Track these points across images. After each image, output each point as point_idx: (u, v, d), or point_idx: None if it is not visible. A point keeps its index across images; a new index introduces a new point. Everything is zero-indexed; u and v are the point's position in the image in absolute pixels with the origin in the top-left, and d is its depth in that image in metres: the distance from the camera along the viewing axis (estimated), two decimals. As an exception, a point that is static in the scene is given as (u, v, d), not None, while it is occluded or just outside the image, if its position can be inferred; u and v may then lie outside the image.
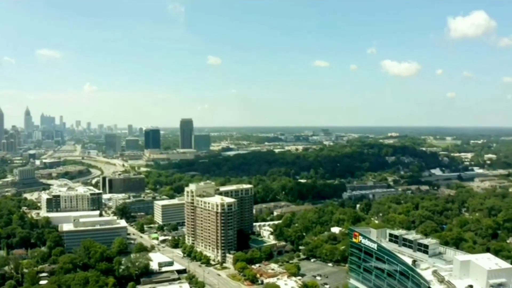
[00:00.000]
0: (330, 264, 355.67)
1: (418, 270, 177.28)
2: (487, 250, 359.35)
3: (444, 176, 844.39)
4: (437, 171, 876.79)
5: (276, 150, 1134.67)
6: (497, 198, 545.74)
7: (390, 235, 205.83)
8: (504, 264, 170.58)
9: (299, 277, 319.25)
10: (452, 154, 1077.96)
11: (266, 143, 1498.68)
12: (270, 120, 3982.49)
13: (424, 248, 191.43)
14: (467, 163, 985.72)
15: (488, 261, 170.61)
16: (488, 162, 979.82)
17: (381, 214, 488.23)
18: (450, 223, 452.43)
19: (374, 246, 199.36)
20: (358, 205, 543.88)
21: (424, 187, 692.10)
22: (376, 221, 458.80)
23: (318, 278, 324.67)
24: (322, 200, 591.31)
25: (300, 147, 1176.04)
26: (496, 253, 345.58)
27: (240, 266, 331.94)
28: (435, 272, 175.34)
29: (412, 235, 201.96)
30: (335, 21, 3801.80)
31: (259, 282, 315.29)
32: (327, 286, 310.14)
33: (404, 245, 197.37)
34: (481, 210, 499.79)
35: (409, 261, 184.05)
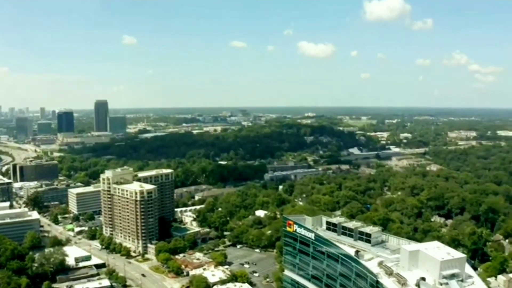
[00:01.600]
0: (257, 250, 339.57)
1: (363, 262, 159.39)
2: (415, 230, 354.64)
3: (363, 155, 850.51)
4: (355, 150, 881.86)
5: (195, 132, 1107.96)
6: (418, 176, 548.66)
7: (328, 223, 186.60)
8: (455, 253, 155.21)
9: (227, 266, 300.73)
10: (368, 134, 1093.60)
11: (184, 124, 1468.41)
12: (187, 101, 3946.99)
13: (366, 237, 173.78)
14: (384, 142, 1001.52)
15: (438, 250, 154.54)
16: (404, 141, 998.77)
17: (304, 195, 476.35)
18: (374, 202, 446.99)
19: (311, 235, 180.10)
20: (281, 187, 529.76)
21: (345, 167, 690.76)
22: (301, 203, 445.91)
23: (246, 266, 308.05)
24: (243, 182, 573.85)
25: (219, 128, 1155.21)
26: (425, 233, 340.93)
27: (163, 258, 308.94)
28: (381, 264, 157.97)
29: (352, 223, 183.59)
30: (252, 2, 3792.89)
31: (185, 273, 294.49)
32: (257, 274, 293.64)
33: (344, 233, 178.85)
34: (403, 189, 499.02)
35: (351, 251, 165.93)
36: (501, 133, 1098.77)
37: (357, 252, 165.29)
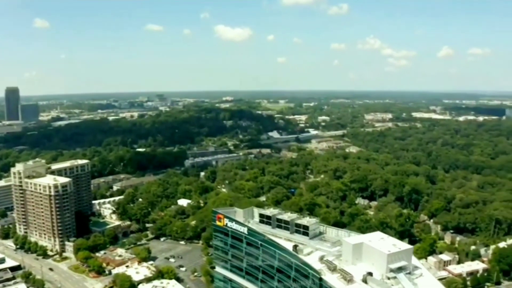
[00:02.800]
0: (182, 242, 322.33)
1: (302, 257, 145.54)
2: (341, 213, 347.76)
3: (282, 138, 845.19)
4: (275, 134, 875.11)
5: (111, 118, 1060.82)
6: (339, 159, 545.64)
7: (261, 215, 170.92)
8: (401, 245, 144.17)
9: (151, 262, 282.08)
10: (287, 117, 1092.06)
11: (99, 110, 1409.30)
12: (102, 86, 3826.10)
13: (303, 230, 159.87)
14: (302, 125, 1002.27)
15: (383, 242, 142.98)
16: (323, 124, 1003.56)
17: (227, 182, 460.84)
18: (298, 187, 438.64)
19: (244, 230, 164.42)
20: (202, 173, 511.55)
21: (266, 151, 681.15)
22: (224, 190, 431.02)
23: (172, 260, 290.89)
24: (163, 170, 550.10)
25: (136, 114, 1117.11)
26: (352, 217, 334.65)
27: (83, 256, 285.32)
28: (322, 258, 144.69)
29: (287, 215, 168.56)
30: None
31: (107, 272, 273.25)
32: (183, 268, 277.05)
33: (279, 226, 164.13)
34: (325, 172, 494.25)
35: (288, 245, 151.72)
36: (416, 114, 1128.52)
37: (295, 246, 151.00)
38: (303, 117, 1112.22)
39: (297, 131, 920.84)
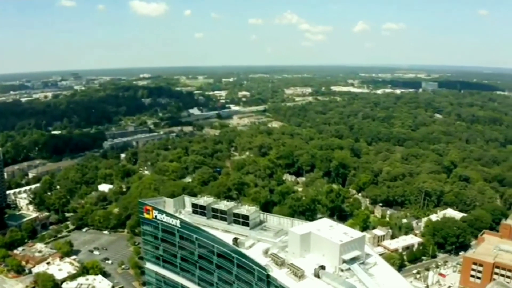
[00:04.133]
0: (106, 232, 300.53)
1: (244, 251, 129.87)
2: (271, 192, 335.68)
3: (203, 115, 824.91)
4: (195, 111, 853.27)
5: (24, 100, 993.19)
6: (264, 135, 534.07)
7: (194, 205, 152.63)
8: (353, 232, 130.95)
9: (74, 256, 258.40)
10: (207, 93, 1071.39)
11: (11, 92, 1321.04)
12: (14, 66, 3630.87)
13: (243, 219, 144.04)
14: (223, 101, 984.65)
15: (332, 230, 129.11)
16: (243, 99, 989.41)
17: (150, 163, 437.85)
18: (224, 165, 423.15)
19: (176, 222, 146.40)
20: (123, 155, 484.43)
21: (187, 128, 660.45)
22: (147, 172, 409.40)
23: (96, 252, 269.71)
24: (81, 153, 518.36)
25: (50, 94, 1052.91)
26: (283, 195, 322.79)
27: (0, 255, 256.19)
28: (267, 252, 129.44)
29: (223, 203, 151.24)
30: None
31: (27, 271, 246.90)
32: (109, 261, 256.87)
33: (215, 217, 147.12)
34: (250, 149, 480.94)
35: (228, 238, 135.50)
36: (335, 88, 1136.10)
37: (235, 239, 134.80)
38: (223, 93, 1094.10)
39: (218, 107, 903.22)
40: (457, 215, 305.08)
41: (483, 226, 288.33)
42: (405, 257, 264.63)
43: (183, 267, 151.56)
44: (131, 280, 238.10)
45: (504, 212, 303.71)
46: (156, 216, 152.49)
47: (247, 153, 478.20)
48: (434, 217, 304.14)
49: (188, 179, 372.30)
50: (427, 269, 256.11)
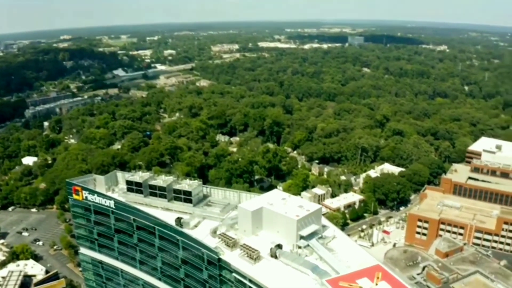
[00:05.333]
0: (34, 210, 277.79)
1: (189, 232, 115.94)
2: (205, 154, 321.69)
3: (129, 76, 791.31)
4: (120, 72, 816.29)
5: None
6: (193, 95, 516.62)
7: (129, 182, 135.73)
8: (308, 205, 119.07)
9: (2, 240, 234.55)
10: (131, 53, 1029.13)
11: None
12: None
13: (184, 196, 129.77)
14: (148, 60, 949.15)
15: (287, 204, 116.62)
16: (169, 58, 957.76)
17: (75, 131, 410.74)
18: (154, 129, 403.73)
19: (110, 203, 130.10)
20: (46, 123, 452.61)
21: (113, 91, 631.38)
22: (73, 141, 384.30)
23: (26, 234, 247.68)
24: (2, 124, 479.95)
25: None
26: (218, 158, 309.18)
27: None
28: (216, 232, 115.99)
29: (161, 179, 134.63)
30: None
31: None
32: (40, 242, 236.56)
33: (153, 194, 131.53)
34: (180, 110, 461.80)
35: (169, 218, 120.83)
36: (262, 44, 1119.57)
37: (178, 219, 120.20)
38: (148, 52, 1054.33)
39: (143, 67, 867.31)
40: (395, 169, 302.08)
41: (422, 181, 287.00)
42: (347, 216, 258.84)
43: (121, 251, 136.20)
44: (66, 262, 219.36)
45: (440, 165, 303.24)
46: (86, 197, 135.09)
47: (177, 114, 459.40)
48: (372, 173, 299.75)
49: (117, 146, 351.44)
50: (371, 227, 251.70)
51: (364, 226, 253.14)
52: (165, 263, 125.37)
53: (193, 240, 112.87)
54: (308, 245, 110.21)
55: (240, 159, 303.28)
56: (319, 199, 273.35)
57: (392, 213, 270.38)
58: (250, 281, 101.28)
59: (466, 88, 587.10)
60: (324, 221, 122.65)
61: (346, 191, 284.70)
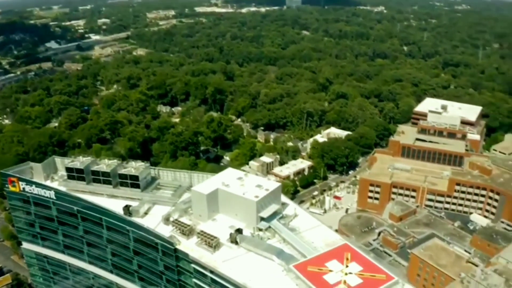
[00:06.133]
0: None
1: (140, 221, 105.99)
2: (147, 127, 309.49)
3: (62, 48, 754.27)
4: (53, 44, 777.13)
5: None
6: (130, 65, 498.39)
7: (69, 169, 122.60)
8: (266, 183, 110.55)
9: None
10: (63, 24, 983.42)
11: None
12: None
13: (131, 181, 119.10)
14: (82, 31, 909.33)
15: (244, 184, 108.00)
16: (104, 27, 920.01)
17: (9, 111, 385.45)
18: (92, 103, 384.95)
19: (50, 193, 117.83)
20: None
21: (46, 65, 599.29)
22: (7, 121, 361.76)
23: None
24: None
25: None
26: (161, 131, 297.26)
27: None
28: (169, 219, 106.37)
29: (104, 163, 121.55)
30: None
31: None
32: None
33: (97, 181, 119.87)
34: (118, 81, 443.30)
35: (116, 206, 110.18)
36: (199, 9, 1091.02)
37: (127, 207, 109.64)
38: (81, 22, 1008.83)
39: (77, 38, 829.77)
40: (341, 133, 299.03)
41: (369, 143, 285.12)
42: (297, 183, 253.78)
43: (67, 244, 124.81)
44: (9, 254, 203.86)
45: (386, 127, 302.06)
46: (24, 188, 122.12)
47: (115, 86, 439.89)
48: (319, 138, 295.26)
49: (54, 124, 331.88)
50: (322, 193, 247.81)
51: (315, 193, 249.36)
52: (115, 255, 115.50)
53: (145, 230, 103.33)
54: (269, 227, 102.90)
55: (184, 131, 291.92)
56: (268, 167, 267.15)
57: (341, 177, 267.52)
58: (211, 272, 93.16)
59: (405, 48, 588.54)
60: (284, 198, 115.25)
61: (294, 157, 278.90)
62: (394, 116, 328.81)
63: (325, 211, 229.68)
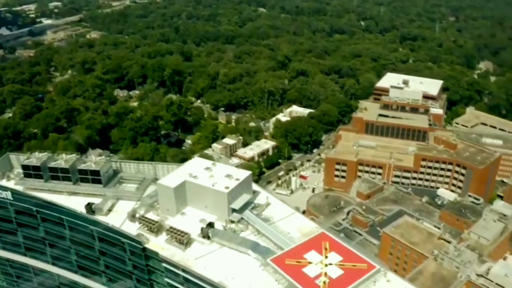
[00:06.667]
0: None
1: (104, 219, 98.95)
2: (105, 113, 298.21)
3: (14, 34, 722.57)
4: (4, 31, 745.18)
5: None
6: (84, 49, 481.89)
7: (25, 167, 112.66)
8: (238, 173, 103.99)
9: None
10: (14, 9, 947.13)
11: None
12: None
13: (92, 176, 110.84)
14: (33, 15, 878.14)
15: (214, 174, 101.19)
16: (56, 10, 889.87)
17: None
18: (47, 90, 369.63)
19: (7, 194, 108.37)
20: None
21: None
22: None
23: None
24: None
25: None
26: (120, 116, 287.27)
27: None
28: (135, 215, 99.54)
29: (62, 158, 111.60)
30: None
31: None
32: None
33: (55, 178, 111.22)
34: (72, 66, 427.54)
35: (78, 204, 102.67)
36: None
37: (89, 206, 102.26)
38: (32, 7, 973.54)
39: (28, 23, 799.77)
40: (303, 111, 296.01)
41: (331, 121, 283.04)
42: (262, 164, 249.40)
43: (28, 246, 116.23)
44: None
45: (348, 104, 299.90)
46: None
47: (69, 72, 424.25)
48: (281, 117, 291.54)
49: (8, 115, 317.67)
50: (287, 173, 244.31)
51: (280, 173, 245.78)
52: (80, 256, 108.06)
53: (110, 229, 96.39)
54: (242, 219, 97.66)
55: (143, 116, 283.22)
56: (231, 149, 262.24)
57: (306, 156, 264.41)
58: (184, 271, 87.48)
59: (362, 23, 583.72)
60: (255, 186, 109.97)
61: (257, 138, 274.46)
62: (355, 92, 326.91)
63: (291, 192, 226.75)
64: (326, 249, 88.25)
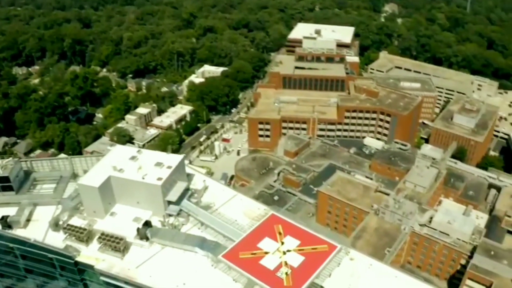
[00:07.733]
0: None
1: (23, 234, 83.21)
2: (5, 96, 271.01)
3: None
4: None
5: None
6: None
7: None
8: (168, 159, 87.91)
9: None
10: None
11: None
12: None
13: (2, 183, 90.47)
14: None
15: (141, 165, 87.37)
16: None
17: None
18: None
19: None
20: None
21: None
22: None
23: None
24: None
25: None
26: (22, 98, 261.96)
27: None
28: (58, 224, 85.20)
29: None
30: None
31: None
32: None
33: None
34: None
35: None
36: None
37: (3, 220, 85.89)
38: None
39: None
40: (216, 70, 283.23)
41: (246, 77, 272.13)
42: (181, 131, 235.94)
43: None
44: None
45: (261, 58, 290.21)
46: None
47: None
48: (194, 78, 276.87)
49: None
50: (209, 138, 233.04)
51: (202, 139, 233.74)
52: (4, 276, 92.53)
53: (32, 246, 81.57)
54: (181, 211, 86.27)
55: (47, 94, 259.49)
56: (146, 119, 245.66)
57: (226, 117, 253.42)
58: (126, 283, 75.51)
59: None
60: (188, 170, 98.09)
61: (172, 104, 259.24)
62: (267, 45, 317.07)
63: (216, 157, 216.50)
64: (280, 233, 79.30)
